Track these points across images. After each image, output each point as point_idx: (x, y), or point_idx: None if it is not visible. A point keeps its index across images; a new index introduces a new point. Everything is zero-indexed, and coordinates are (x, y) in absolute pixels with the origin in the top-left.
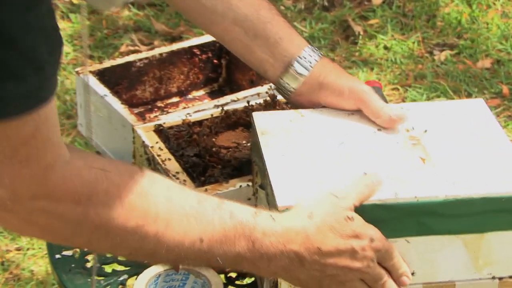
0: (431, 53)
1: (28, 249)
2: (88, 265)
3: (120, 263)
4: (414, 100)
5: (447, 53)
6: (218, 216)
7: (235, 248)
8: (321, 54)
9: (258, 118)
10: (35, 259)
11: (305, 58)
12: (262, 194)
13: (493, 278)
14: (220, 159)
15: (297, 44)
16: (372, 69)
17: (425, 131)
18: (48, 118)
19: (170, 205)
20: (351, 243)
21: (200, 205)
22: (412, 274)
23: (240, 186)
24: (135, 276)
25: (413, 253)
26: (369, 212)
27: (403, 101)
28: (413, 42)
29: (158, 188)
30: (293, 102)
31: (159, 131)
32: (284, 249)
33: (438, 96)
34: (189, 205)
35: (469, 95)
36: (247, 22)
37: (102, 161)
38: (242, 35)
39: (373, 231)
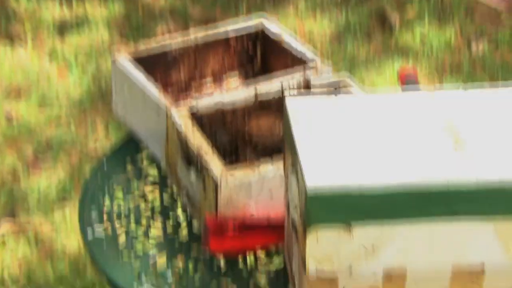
0: (468, 44)
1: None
2: (121, 245)
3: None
4: None
5: (484, 44)
6: None
7: None
8: None
9: (291, 102)
10: (67, 232)
11: None
12: (292, 176)
13: None
14: (252, 142)
15: None
16: (408, 58)
17: (459, 117)
18: None
19: None
20: None
21: None
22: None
23: (270, 169)
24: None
25: (443, 235)
26: (400, 195)
27: None
28: (451, 33)
29: None
30: None
31: (192, 114)
32: None
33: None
34: None
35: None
36: None
37: None
38: None
39: None
